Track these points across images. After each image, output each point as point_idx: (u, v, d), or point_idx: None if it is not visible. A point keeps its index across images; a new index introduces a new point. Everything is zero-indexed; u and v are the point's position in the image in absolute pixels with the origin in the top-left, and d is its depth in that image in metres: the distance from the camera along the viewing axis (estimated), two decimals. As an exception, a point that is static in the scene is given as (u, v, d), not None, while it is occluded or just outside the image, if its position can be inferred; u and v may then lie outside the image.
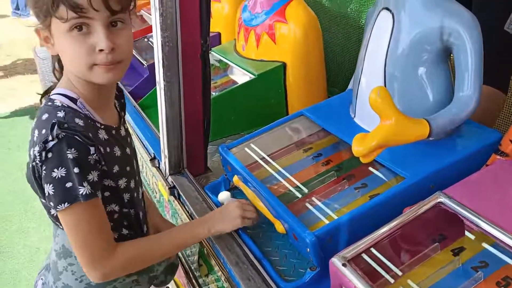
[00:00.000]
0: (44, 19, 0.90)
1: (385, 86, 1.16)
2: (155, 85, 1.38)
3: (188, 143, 1.43)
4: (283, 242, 1.14)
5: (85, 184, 0.89)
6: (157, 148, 1.52)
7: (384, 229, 0.88)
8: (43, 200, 0.96)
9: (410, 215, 0.90)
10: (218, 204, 1.28)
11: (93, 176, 0.91)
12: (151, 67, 2.03)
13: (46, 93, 1.02)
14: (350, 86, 1.49)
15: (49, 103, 0.94)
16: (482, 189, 0.94)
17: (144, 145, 1.71)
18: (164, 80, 1.34)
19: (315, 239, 0.96)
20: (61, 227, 1.00)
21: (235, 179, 1.28)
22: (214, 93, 1.75)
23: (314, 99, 1.76)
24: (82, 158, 0.89)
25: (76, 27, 0.87)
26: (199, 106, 1.44)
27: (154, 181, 1.61)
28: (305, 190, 1.15)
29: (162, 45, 1.29)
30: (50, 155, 0.87)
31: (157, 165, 1.55)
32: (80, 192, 0.88)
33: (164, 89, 1.35)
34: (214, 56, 2.08)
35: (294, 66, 1.81)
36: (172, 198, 1.43)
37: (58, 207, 0.89)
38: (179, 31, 1.32)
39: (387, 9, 1.16)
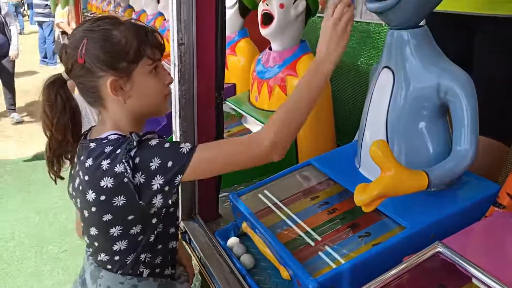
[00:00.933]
0: (126, 68, 0.98)
1: (387, 139, 1.22)
2: (172, 133, 1.47)
3: (200, 190, 1.50)
4: (289, 288, 1.17)
5: (181, 145, 0.96)
6: (171, 194, 1.58)
7: (384, 277, 0.91)
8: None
9: (409, 263, 0.93)
10: (227, 250, 1.33)
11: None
12: (169, 115, 2.13)
13: (82, 136, 1.08)
14: (356, 138, 1.56)
15: (104, 141, 0.99)
16: (480, 240, 0.97)
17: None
18: (180, 130, 1.43)
19: (317, 286, 0.99)
20: (107, 267, 1.04)
21: (244, 225, 1.33)
22: (227, 142, 1.83)
23: (323, 148, 1.82)
24: (164, 140, 0.99)
25: (155, 67, 1.01)
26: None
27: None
28: (311, 237, 1.20)
29: (179, 98, 1.39)
30: (137, 160, 0.93)
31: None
32: (183, 151, 0.95)
33: (180, 138, 1.43)
34: (229, 105, 2.18)
35: (304, 118, 1.89)
36: (183, 242, 1.48)
37: (175, 180, 0.94)
38: (195, 85, 1.41)
39: (388, 67, 1.24)
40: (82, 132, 1.09)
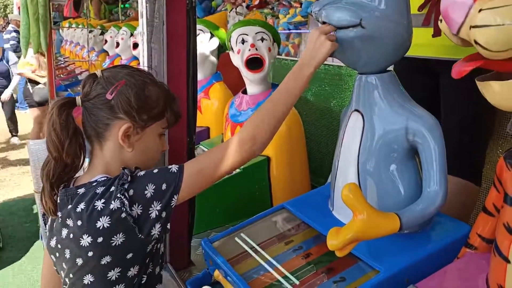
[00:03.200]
0: (145, 121, 1.02)
1: (358, 181, 1.23)
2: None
3: (172, 237, 1.46)
4: None
5: (169, 167, 0.98)
6: (142, 241, 1.53)
7: (359, 325, 0.89)
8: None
9: (384, 309, 0.92)
10: (200, 300, 1.28)
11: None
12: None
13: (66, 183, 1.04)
14: (329, 180, 1.56)
15: (94, 184, 0.98)
16: (453, 282, 0.97)
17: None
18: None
19: (292, 336, 0.96)
20: None
21: (216, 273, 1.29)
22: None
23: (297, 190, 1.83)
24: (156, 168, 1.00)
25: (164, 133, 1.09)
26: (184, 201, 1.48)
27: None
28: (286, 284, 1.16)
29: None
30: (131, 192, 0.94)
31: (141, 259, 1.56)
32: (173, 171, 0.97)
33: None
34: (203, 149, 2.17)
35: (278, 160, 1.90)
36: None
37: (171, 202, 0.95)
38: (167, 130, 1.40)
39: (358, 111, 1.26)
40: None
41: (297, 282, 1.16)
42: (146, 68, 1.32)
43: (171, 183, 0.96)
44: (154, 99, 1.03)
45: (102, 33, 5.08)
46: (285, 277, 1.19)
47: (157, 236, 0.97)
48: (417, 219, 1.08)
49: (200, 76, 2.27)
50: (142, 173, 0.98)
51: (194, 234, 1.57)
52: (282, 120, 1.06)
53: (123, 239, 0.94)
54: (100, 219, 0.93)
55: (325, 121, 2.58)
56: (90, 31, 5.25)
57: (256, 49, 1.99)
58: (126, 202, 0.92)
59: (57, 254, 1.02)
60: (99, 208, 0.93)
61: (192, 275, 1.46)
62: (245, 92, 2.11)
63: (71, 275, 1.00)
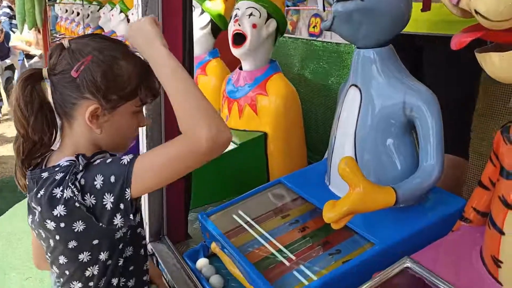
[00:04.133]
0: (115, 101, 0.93)
1: (355, 156, 1.23)
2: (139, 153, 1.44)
3: (169, 211, 1.47)
4: (259, 309, 1.14)
5: (123, 157, 0.88)
6: (139, 215, 1.54)
7: (354, 294, 0.90)
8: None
9: (379, 279, 0.93)
10: (196, 272, 1.29)
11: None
12: (137, 137, 2.10)
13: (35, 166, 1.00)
14: (326, 156, 1.56)
15: (56, 168, 0.92)
16: (447, 254, 0.98)
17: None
18: (147, 150, 1.40)
19: (287, 305, 0.97)
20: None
21: (213, 246, 1.30)
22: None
23: (294, 166, 1.83)
24: (107, 156, 0.93)
25: (141, 110, 0.99)
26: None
27: (135, 249, 1.62)
28: (281, 257, 1.18)
29: (146, 117, 1.36)
30: (83, 181, 0.87)
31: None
32: (124, 162, 0.87)
33: (147, 144, 1.40)
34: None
35: (275, 136, 1.90)
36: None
37: (126, 195, 0.86)
38: (163, 105, 1.40)
39: (355, 85, 1.26)
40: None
41: (292, 256, 1.17)
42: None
43: (120, 176, 0.86)
44: (125, 77, 0.93)
45: (99, 10, 5.00)
46: (280, 250, 1.20)
47: (121, 225, 0.91)
48: (413, 193, 1.09)
49: (197, 52, 2.24)
50: (97, 162, 0.90)
51: (191, 209, 1.58)
52: (197, 98, 0.87)
53: (84, 226, 0.90)
54: (57, 207, 0.89)
55: (323, 99, 2.57)
56: (89, 6, 5.17)
57: (239, 25, 1.96)
58: (76, 192, 0.86)
59: (36, 231, 1.01)
60: (57, 196, 0.89)
61: (189, 248, 1.47)
62: (242, 68, 2.10)
63: (49, 253, 1.00)
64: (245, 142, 1.85)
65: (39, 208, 0.93)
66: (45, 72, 0.95)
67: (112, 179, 0.86)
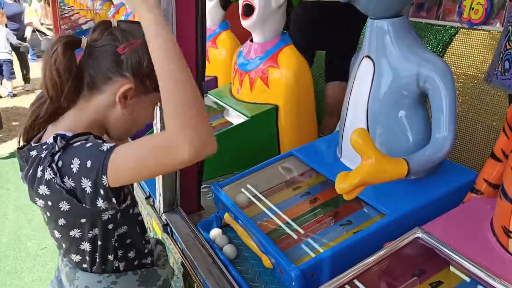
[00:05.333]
0: (148, 88, 0.94)
1: (367, 128, 1.23)
2: (153, 126, 1.45)
3: (182, 182, 1.49)
4: (271, 277, 1.17)
5: (104, 144, 0.86)
6: (152, 187, 1.57)
7: (364, 263, 0.92)
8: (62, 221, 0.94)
9: (389, 249, 0.95)
10: (210, 241, 1.32)
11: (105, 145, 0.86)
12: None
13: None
14: (337, 128, 1.57)
15: (44, 146, 0.92)
16: (458, 225, 0.99)
17: (140, 184, 1.76)
18: (160, 122, 1.41)
19: (299, 273, 1.00)
20: (83, 266, 1.00)
21: (226, 216, 1.33)
22: (209, 134, 1.82)
23: (305, 139, 1.83)
24: (89, 139, 0.90)
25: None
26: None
27: (149, 219, 1.65)
28: (293, 227, 1.20)
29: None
30: (60, 163, 0.86)
31: (152, 203, 1.60)
32: (103, 149, 0.84)
33: (161, 130, 1.41)
34: (211, 98, 2.17)
35: (286, 109, 1.89)
36: (165, 235, 1.47)
37: (103, 181, 0.83)
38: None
39: (369, 57, 1.25)
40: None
41: (300, 228, 1.19)
42: None
43: (96, 162, 0.83)
44: None
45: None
46: (292, 220, 1.22)
47: (105, 208, 0.90)
48: (425, 165, 1.10)
49: (207, 24, 2.23)
50: (76, 143, 0.88)
51: (204, 181, 1.60)
52: (187, 93, 0.82)
53: (69, 206, 0.89)
54: (40, 186, 0.89)
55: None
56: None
57: None
58: (53, 174, 0.86)
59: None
60: (38, 175, 0.89)
61: (202, 218, 1.50)
62: (252, 40, 2.08)
63: (47, 226, 1.03)
64: (256, 115, 1.85)
65: (28, 186, 0.94)
66: (84, 41, 0.95)
67: (88, 164, 0.84)
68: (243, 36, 2.45)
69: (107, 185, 0.84)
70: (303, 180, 1.40)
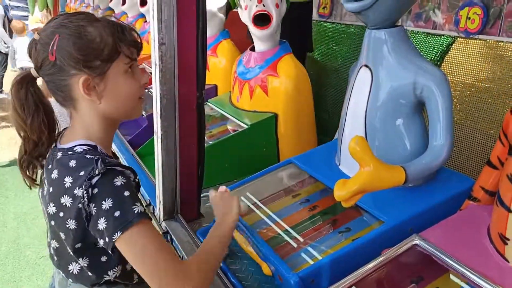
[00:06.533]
0: (100, 66, 0.92)
1: (365, 136, 1.25)
2: (153, 134, 1.47)
3: (182, 190, 1.50)
4: (270, 285, 1.18)
5: (137, 204, 0.88)
6: (152, 194, 1.58)
7: (363, 270, 0.93)
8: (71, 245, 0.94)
9: (388, 256, 0.96)
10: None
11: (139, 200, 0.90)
12: (150, 117, 2.13)
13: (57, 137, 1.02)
14: (336, 136, 1.58)
15: (70, 152, 0.94)
16: (455, 232, 1.00)
17: (140, 192, 1.77)
18: (161, 130, 1.42)
19: (298, 280, 1.00)
20: (74, 278, 1.00)
21: (226, 223, 1.33)
22: (209, 142, 1.84)
23: (304, 147, 1.85)
24: (129, 183, 0.90)
25: (130, 67, 0.96)
26: (193, 155, 1.52)
27: (149, 227, 1.66)
28: (293, 234, 1.21)
29: (160, 98, 1.39)
30: (95, 190, 0.87)
31: (152, 211, 1.61)
32: (135, 211, 0.86)
33: (161, 138, 1.43)
34: (211, 107, 2.18)
35: (285, 117, 1.91)
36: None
37: (114, 235, 0.85)
38: (177, 85, 1.41)
39: (367, 66, 1.26)
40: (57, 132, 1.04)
41: (299, 236, 1.20)
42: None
43: (122, 218, 0.86)
44: (98, 40, 0.91)
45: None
46: (291, 228, 1.23)
47: (103, 247, 0.90)
48: (422, 172, 1.11)
49: (207, 33, 2.25)
50: (118, 183, 0.88)
51: (204, 188, 1.61)
52: (215, 269, 0.99)
53: (75, 226, 0.91)
54: (64, 196, 0.90)
55: (333, 80, 2.57)
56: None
57: (264, 5, 1.96)
58: (85, 197, 0.87)
59: (43, 207, 1.03)
60: (66, 185, 0.90)
61: (202, 226, 1.51)
62: (253, 49, 2.10)
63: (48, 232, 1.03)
64: (256, 123, 1.87)
65: (50, 189, 0.94)
66: (33, 72, 0.96)
67: (117, 214, 0.86)
68: (238, 44, 2.49)
69: (114, 240, 0.86)
70: (302, 188, 1.41)
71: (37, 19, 5.58)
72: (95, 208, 0.87)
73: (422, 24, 2.06)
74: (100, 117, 0.97)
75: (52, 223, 0.96)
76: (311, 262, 1.08)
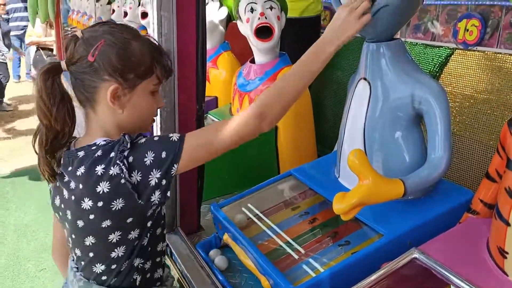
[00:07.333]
0: (133, 80, 0.98)
1: (364, 149, 1.25)
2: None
3: (182, 203, 1.50)
4: (270, 298, 1.18)
5: (170, 134, 0.96)
6: (153, 207, 1.58)
7: (362, 284, 0.93)
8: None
9: (387, 270, 0.95)
10: (209, 263, 1.33)
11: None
12: (151, 128, 2.14)
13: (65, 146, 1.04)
14: (335, 148, 1.59)
15: (93, 147, 0.97)
16: (454, 246, 1.00)
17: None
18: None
19: (298, 294, 1.00)
20: (102, 278, 1.03)
21: (225, 237, 1.33)
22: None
23: (304, 159, 1.85)
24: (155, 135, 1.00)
25: (157, 89, 1.04)
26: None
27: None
28: (292, 247, 1.21)
29: (160, 110, 1.40)
30: (131, 159, 0.93)
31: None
32: (173, 139, 0.95)
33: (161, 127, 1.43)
34: (211, 118, 2.19)
35: (285, 128, 1.92)
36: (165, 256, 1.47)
37: (172, 170, 0.94)
38: (177, 97, 1.42)
39: (365, 79, 1.27)
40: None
41: (301, 247, 1.20)
42: (153, 34, 1.32)
43: (171, 152, 0.94)
44: (139, 56, 0.98)
45: (109, 3, 5.01)
46: (289, 242, 1.23)
47: (157, 202, 0.97)
48: (421, 185, 1.11)
49: (208, 45, 2.26)
50: (142, 140, 0.96)
51: (203, 201, 1.61)
52: (295, 99, 1.02)
53: (123, 204, 0.94)
54: (100, 183, 0.93)
55: (332, 91, 2.58)
56: (97, 0, 5.19)
57: (266, 18, 1.97)
58: (124, 169, 0.91)
59: (60, 214, 1.05)
60: (99, 173, 0.93)
61: (202, 239, 1.50)
62: (253, 61, 2.11)
63: (73, 236, 1.04)
64: (256, 135, 1.87)
65: (80, 186, 0.96)
66: (63, 64, 0.99)
67: (163, 154, 0.93)
68: (238, 56, 2.50)
69: (173, 173, 0.95)
70: (302, 200, 1.41)
71: (37, 33, 5.61)
72: (139, 173, 0.93)
73: (421, 36, 2.08)
74: (116, 124, 1.02)
75: (91, 217, 0.97)
76: (311, 276, 1.08)
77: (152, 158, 0.93)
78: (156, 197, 0.95)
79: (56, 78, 0.99)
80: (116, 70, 0.96)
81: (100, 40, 0.96)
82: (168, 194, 0.98)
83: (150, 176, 0.93)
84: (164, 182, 0.94)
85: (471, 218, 1.07)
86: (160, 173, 0.93)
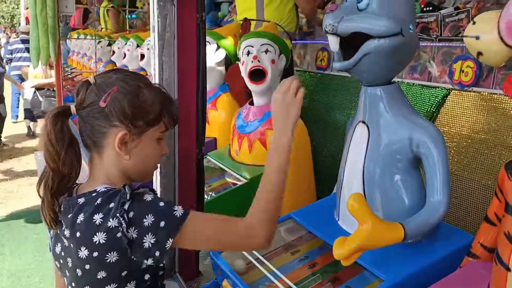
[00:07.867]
0: (141, 127, 0.99)
1: (363, 192, 1.25)
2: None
3: (180, 248, 1.48)
4: None
5: (175, 207, 0.94)
6: (151, 251, 1.56)
7: (364, 332, 0.91)
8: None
9: (389, 317, 0.94)
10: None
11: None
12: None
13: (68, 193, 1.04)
14: (335, 190, 1.59)
15: (93, 194, 0.97)
16: (456, 291, 0.99)
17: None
18: (161, 186, 1.44)
19: None
20: None
21: (225, 283, 1.31)
22: (208, 196, 1.84)
23: (303, 201, 1.84)
24: (157, 196, 0.99)
25: (163, 137, 1.04)
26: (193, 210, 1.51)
27: (147, 285, 1.63)
28: (293, 293, 1.19)
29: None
30: (131, 214, 0.91)
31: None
32: (177, 215, 0.93)
33: (161, 194, 1.43)
34: (211, 160, 2.20)
35: (284, 170, 1.92)
36: None
37: (166, 244, 0.91)
38: (176, 141, 1.44)
39: (363, 122, 1.29)
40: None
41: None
42: (157, 81, 1.34)
43: (169, 225, 0.92)
44: (149, 104, 0.99)
45: (110, 44, 5.13)
46: (293, 286, 1.21)
47: (150, 264, 0.96)
48: (421, 229, 1.11)
49: (207, 87, 2.31)
50: (149, 198, 0.95)
51: (202, 244, 1.60)
52: (281, 198, 1.05)
53: (117, 257, 0.93)
54: (97, 234, 0.92)
55: (331, 132, 2.60)
56: (98, 42, 5.31)
57: (259, 61, 2.02)
58: (124, 223, 0.90)
59: (61, 261, 1.03)
60: (97, 223, 0.92)
61: (201, 285, 1.48)
62: (252, 103, 2.15)
63: (73, 284, 1.02)
64: (255, 177, 1.88)
65: (77, 234, 0.95)
66: (73, 108, 1.00)
67: (162, 224, 0.92)
68: (241, 98, 2.54)
69: (168, 247, 0.92)
70: (301, 244, 1.39)
71: (39, 75, 5.71)
72: (136, 231, 0.91)
73: (417, 76, 2.12)
74: (121, 170, 1.02)
75: (87, 267, 0.96)
76: (312, 323, 1.06)
77: (151, 222, 0.92)
78: (148, 262, 0.95)
79: (65, 122, 1.00)
80: (127, 117, 0.97)
81: (113, 87, 0.97)
82: (164, 261, 0.98)
83: (145, 239, 0.91)
84: (157, 253, 0.93)
85: (471, 262, 1.06)
86: (154, 239, 0.91)
